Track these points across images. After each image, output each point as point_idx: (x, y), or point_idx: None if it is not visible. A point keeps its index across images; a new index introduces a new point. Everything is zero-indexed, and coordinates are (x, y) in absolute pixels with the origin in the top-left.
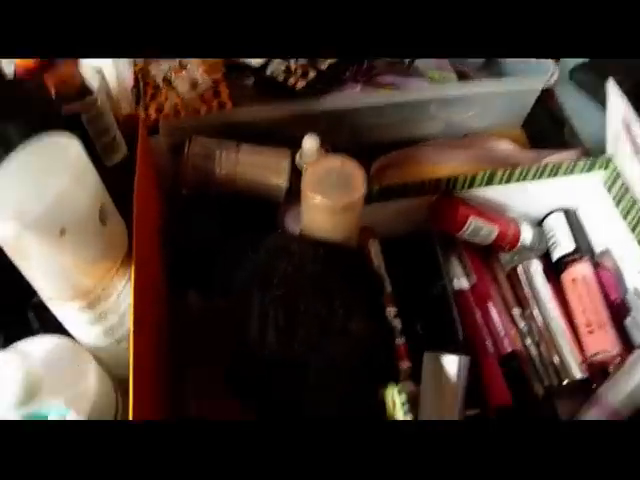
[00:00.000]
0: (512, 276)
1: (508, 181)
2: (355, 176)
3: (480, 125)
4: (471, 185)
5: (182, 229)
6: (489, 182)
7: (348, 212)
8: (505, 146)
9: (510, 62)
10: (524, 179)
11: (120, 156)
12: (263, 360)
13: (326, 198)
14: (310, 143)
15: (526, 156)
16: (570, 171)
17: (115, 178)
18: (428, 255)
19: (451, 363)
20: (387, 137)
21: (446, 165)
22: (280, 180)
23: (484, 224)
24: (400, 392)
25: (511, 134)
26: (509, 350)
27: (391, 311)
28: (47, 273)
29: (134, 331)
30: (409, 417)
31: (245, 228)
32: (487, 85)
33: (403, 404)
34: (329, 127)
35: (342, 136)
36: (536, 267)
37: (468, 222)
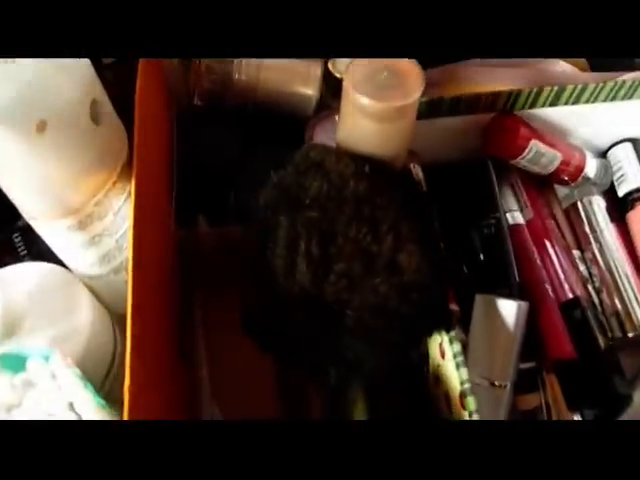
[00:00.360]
0: (570, 213)
1: (576, 101)
2: (411, 74)
3: None
4: (534, 104)
5: (194, 144)
6: (555, 101)
7: (400, 120)
8: (563, 67)
9: None
10: (594, 100)
11: None
12: (291, 297)
13: (375, 100)
14: None
15: (590, 78)
16: None
17: (113, 78)
18: (479, 184)
19: (508, 309)
20: None
21: (491, 86)
22: (310, 90)
23: (547, 150)
24: (452, 341)
25: None
26: (570, 296)
27: None
28: (26, 182)
29: (134, 260)
30: (462, 371)
31: (267, 145)
32: None
33: (455, 355)
34: None
35: None
36: (599, 203)
37: (529, 146)
